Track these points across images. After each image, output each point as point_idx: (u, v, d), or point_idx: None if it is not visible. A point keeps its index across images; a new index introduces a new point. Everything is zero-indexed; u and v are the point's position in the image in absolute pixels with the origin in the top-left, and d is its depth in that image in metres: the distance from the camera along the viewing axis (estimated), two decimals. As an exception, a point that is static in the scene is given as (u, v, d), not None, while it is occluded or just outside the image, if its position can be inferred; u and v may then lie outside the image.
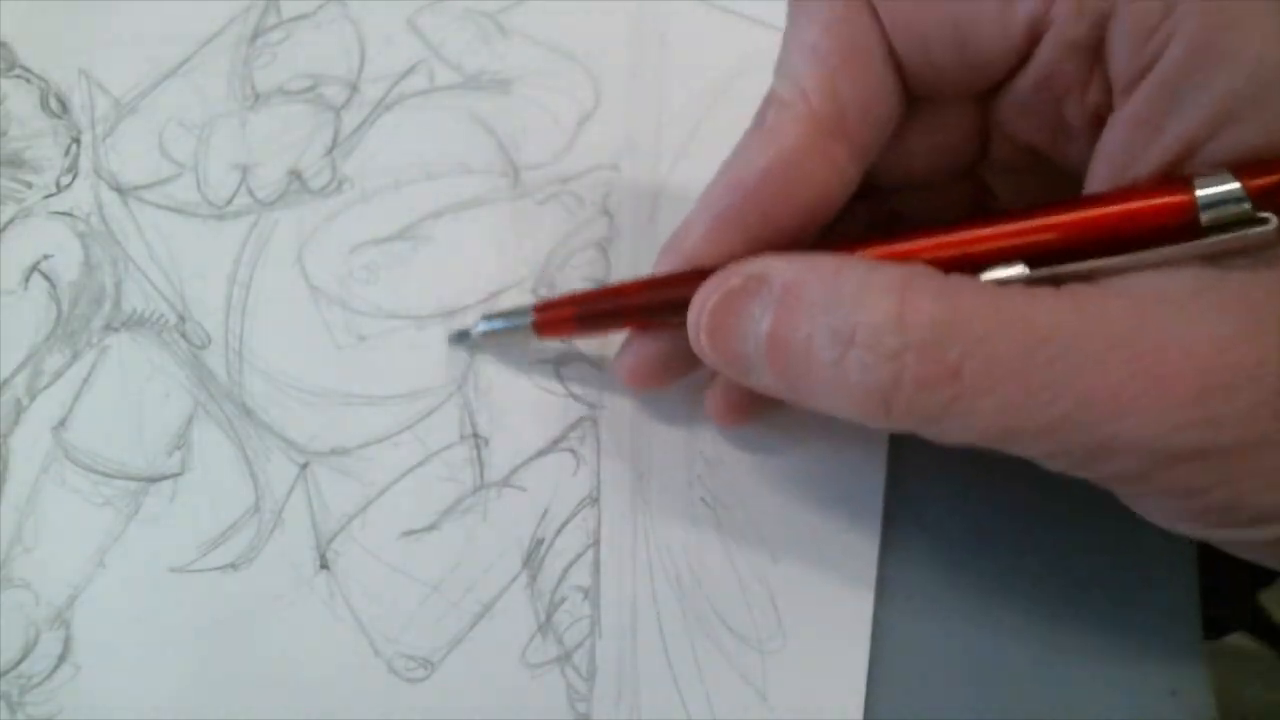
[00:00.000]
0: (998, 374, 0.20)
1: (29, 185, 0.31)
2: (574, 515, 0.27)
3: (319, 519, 0.27)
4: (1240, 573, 0.29)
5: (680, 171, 0.31)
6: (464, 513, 0.27)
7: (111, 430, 0.28)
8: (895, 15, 0.23)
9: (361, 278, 0.30)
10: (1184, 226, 0.21)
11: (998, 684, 0.26)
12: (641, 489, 0.28)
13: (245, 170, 0.31)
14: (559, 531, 0.27)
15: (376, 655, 0.26)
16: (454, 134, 0.32)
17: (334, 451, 0.28)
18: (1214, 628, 0.27)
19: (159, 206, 0.31)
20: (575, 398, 0.29)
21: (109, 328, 0.29)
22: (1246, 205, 0.20)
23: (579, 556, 0.27)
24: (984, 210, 0.27)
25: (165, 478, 0.27)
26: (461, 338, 0.29)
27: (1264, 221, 0.20)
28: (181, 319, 0.29)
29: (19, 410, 0.28)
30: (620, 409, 0.28)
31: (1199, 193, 0.20)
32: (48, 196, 0.31)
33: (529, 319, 0.27)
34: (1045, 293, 0.21)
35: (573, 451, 0.28)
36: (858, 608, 0.27)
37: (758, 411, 0.27)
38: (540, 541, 0.27)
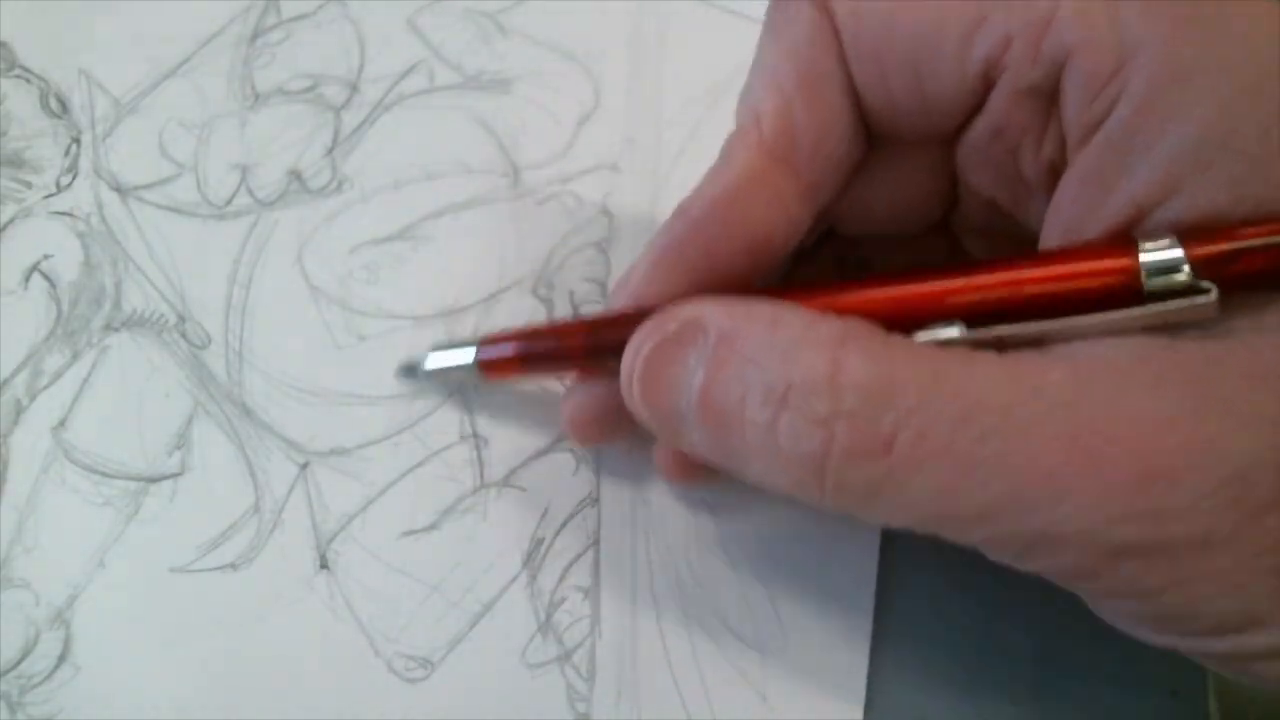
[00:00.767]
0: (930, 448, 0.18)
1: (29, 185, 0.31)
2: (574, 515, 0.27)
3: (319, 519, 0.27)
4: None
5: (680, 172, 0.31)
6: (464, 513, 0.27)
7: (111, 430, 0.28)
8: (858, 46, 0.22)
9: (361, 278, 0.30)
10: (1129, 292, 0.19)
11: (997, 684, 0.26)
12: (641, 489, 0.28)
13: (245, 170, 0.31)
14: (559, 531, 0.27)
15: (376, 655, 0.26)
16: (454, 134, 0.32)
17: (334, 451, 0.28)
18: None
19: (159, 206, 0.31)
20: (575, 398, 0.29)
21: (109, 328, 0.29)
22: (1187, 272, 0.19)
23: (579, 556, 0.27)
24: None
25: (165, 478, 0.27)
26: (409, 372, 0.28)
27: (1205, 291, 0.19)
28: (181, 319, 0.29)
29: (19, 410, 0.28)
30: (620, 409, 0.28)
31: (1143, 258, 0.19)
32: (48, 196, 0.31)
33: (473, 359, 0.26)
34: (985, 358, 0.19)
35: (572, 451, 0.28)
36: (858, 608, 0.27)
37: (710, 472, 0.24)
38: (540, 541, 0.27)
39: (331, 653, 0.26)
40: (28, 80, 0.32)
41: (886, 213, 0.25)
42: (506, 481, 0.28)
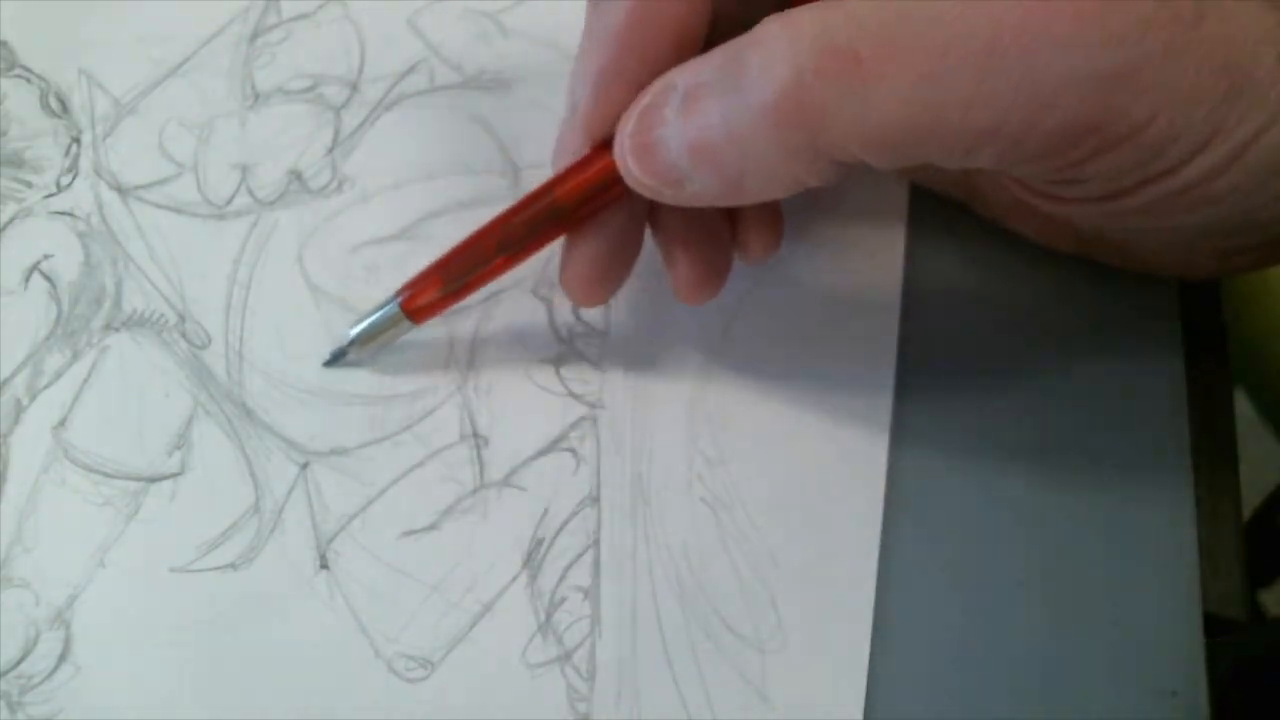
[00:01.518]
0: (899, 46, 0.20)
1: (29, 185, 0.31)
2: (574, 515, 0.27)
3: (319, 519, 0.27)
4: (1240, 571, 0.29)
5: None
6: (464, 513, 0.27)
7: (111, 430, 0.28)
8: None
9: (362, 277, 0.30)
10: None
11: (997, 684, 0.26)
12: (641, 489, 0.28)
13: (245, 170, 0.31)
14: (559, 531, 0.27)
15: (376, 655, 0.26)
16: (454, 134, 0.32)
17: (334, 451, 0.28)
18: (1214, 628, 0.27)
19: (159, 206, 0.31)
20: (575, 397, 0.29)
21: (109, 327, 0.29)
22: None
23: (579, 556, 0.27)
24: None
25: (165, 478, 0.27)
26: (338, 357, 0.28)
27: None
28: (181, 319, 0.29)
29: (19, 410, 0.28)
30: (620, 408, 0.28)
31: None
32: (48, 196, 0.31)
33: (396, 307, 0.27)
34: None
35: (573, 451, 0.28)
36: (858, 608, 0.27)
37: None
38: (540, 541, 0.27)
39: (331, 653, 0.26)
40: (28, 80, 0.32)
41: None
42: (506, 481, 0.28)
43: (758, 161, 0.22)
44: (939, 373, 0.29)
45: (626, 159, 0.23)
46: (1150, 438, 0.28)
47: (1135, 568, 0.27)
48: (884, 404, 0.28)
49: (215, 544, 0.27)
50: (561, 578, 0.27)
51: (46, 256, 0.30)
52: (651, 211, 0.27)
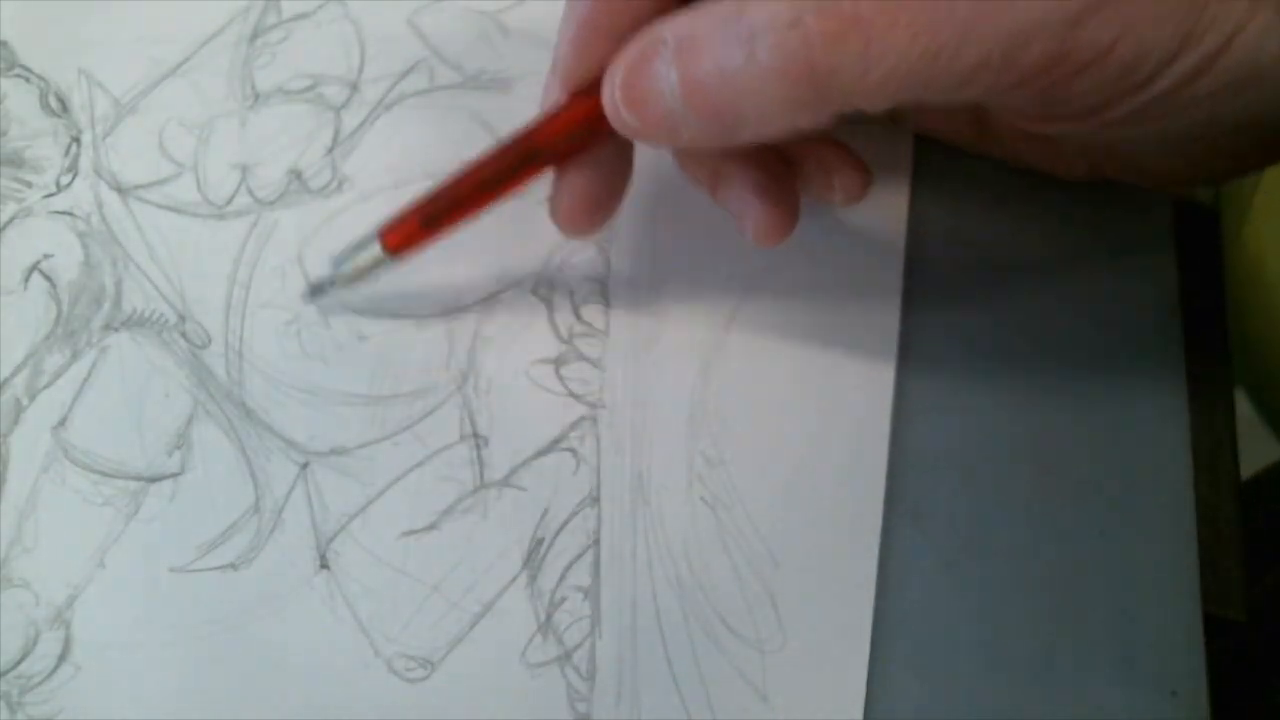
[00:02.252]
0: (896, 3, 0.21)
1: (29, 185, 0.31)
2: (574, 515, 0.27)
3: (319, 519, 0.27)
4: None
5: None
6: (464, 513, 0.27)
7: (111, 430, 0.28)
8: None
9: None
10: None
11: (997, 684, 0.26)
12: (641, 489, 0.28)
13: (245, 170, 0.31)
14: (559, 531, 0.27)
15: (376, 655, 0.26)
16: (454, 134, 0.32)
17: (334, 451, 0.28)
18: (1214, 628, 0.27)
19: (159, 206, 0.31)
20: (575, 397, 0.29)
21: (109, 327, 0.29)
22: None
23: (579, 556, 0.27)
24: None
25: (165, 477, 0.27)
26: (318, 291, 0.29)
27: None
28: (182, 319, 0.29)
29: (19, 410, 0.28)
30: (621, 408, 0.28)
31: None
32: (48, 196, 0.31)
33: (376, 242, 0.27)
34: None
35: (573, 451, 0.28)
36: (858, 608, 0.27)
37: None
38: (540, 541, 0.27)
39: (331, 653, 0.26)
40: (27, 80, 0.32)
41: None
42: (506, 481, 0.28)
43: (759, 110, 0.23)
44: (940, 370, 0.29)
45: (619, 109, 0.24)
46: (1150, 437, 0.28)
47: (1136, 567, 0.27)
48: (884, 404, 0.29)
49: (215, 544, 0.27)
50: (561, 578, 0.27)
51: (46, 256, 0.30)
52: (710, 176, 0.28)
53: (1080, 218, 0.31)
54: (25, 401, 0.28)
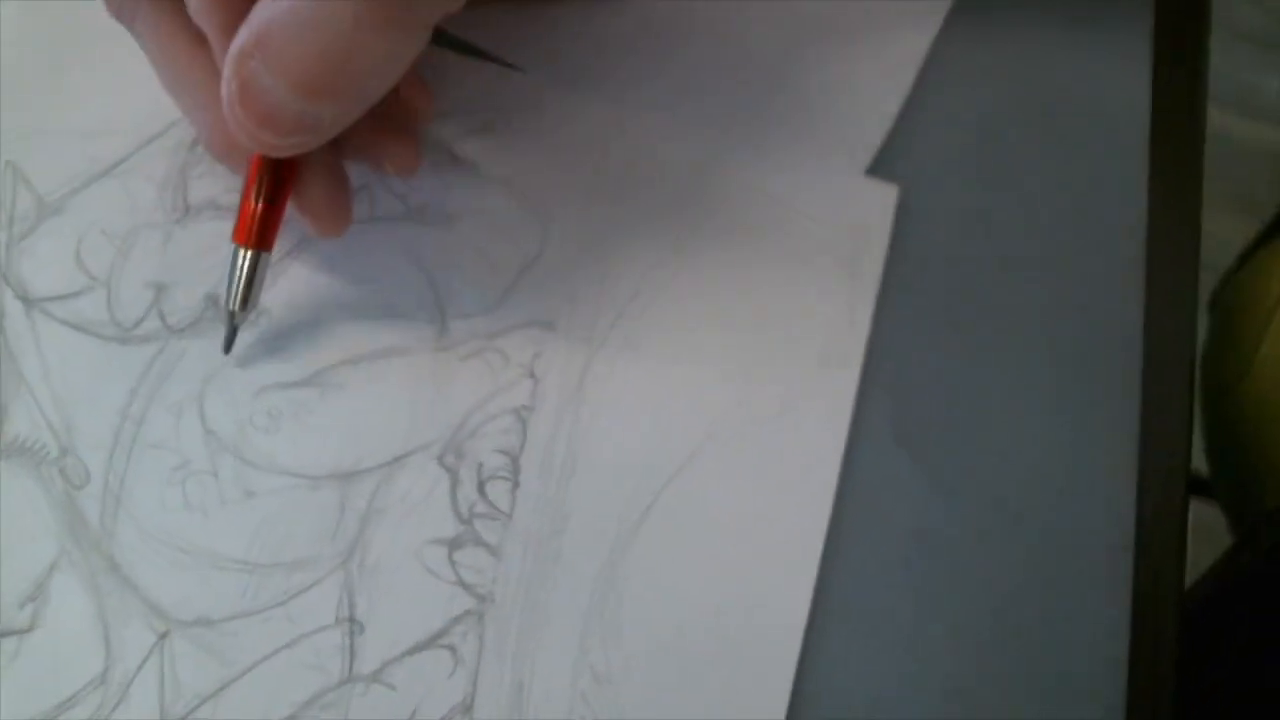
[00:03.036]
0: None
1: (-70, 288, 0.29)
2: (446, 720, 0.25)
3: (168, 699, 0.25)
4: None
5: (619, 332, 0.29)
6: (323, 708, 0.25)
7: (-30, 570, 0.26)
8: None
9: (261, 425, 0.28)
10: None
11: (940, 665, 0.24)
12: (520, 703, 0.25)
13: (160, 290, 0.29)
14: (427, 736, 0.25)
15: None
16: (386, 269, 0.30)
17: (198, 622, 0.26)
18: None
19: (63, 323, 0.29)
20: (465, 587, 0.26)
21: (-14, 455, 0.27)
22: None
23: (444, 768, 0.25)
24: None
25: (11, 634, 0.26)
26: (231, 339, 0.28)
27: None
28: (64, 452, 0.27)
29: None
30: (510, 606, 0.26)
31: None
32: (-53, 302, 0.29)
33: (239, 249, 0.27)
34: None
35: (452, 649, 0.26)
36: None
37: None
38: (405, 746, 0.25)
39: None
40: (-49, 170, 0.31)
41: None
42: (376, 677, 0.26)
43: (370, 63, 0.23)
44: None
45: (236, 110, 0.24)
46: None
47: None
48: (796, 626, 0.26)
49: (49, 717, 0.25)
50: (420, 793, 0.25)
51: (-62, 366, 0.28)
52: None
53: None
54: (-113, 527, 0.27)
